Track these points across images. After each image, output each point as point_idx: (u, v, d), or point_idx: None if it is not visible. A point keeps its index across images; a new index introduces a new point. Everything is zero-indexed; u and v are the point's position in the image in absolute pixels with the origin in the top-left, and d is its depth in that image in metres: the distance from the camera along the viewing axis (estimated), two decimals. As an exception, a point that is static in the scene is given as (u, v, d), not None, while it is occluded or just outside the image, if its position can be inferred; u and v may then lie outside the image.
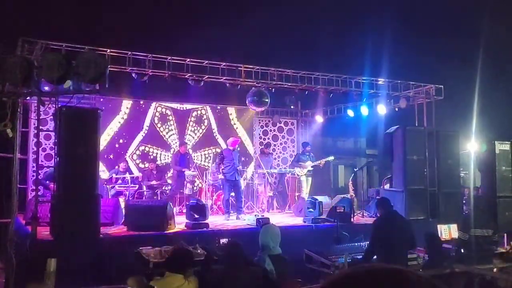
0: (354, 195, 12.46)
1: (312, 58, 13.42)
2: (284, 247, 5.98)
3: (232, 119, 14.51)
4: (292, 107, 15.57)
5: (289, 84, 11.54)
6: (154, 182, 11.79)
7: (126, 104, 13.02)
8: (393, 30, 14.00)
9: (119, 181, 11.54)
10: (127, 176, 11.39)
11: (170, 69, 10.18)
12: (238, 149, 11.74)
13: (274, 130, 15.64)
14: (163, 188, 12.01)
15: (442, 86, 12.15)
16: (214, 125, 14.19)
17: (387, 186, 11.84)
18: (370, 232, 6.92)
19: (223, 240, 7.70)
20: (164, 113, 13.54)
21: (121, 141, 12.92)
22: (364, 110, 13.14)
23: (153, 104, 13.38)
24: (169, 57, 10.12)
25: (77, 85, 6.66)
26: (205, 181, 12.15)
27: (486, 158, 11.37)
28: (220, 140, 14.03)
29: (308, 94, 12.35)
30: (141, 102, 13.25)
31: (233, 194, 11.22)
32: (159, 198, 11.37)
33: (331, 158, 12.92)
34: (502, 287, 6.40)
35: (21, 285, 6.40)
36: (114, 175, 11.61)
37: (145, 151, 13.21)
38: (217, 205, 11.93)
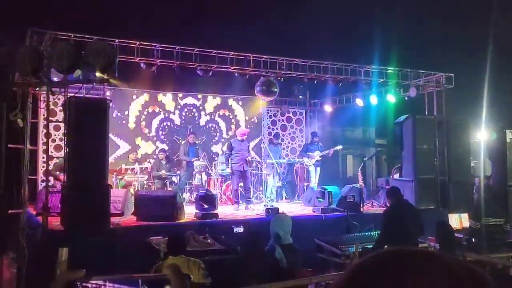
0: (363, 185, 12.42)
1: (321, 47, 13.31)
2: (294, 237, 5.99)
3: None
4: (300, 97, 15.52)
5: (298, 73, 11.49)
6: (163, 172, 11.80)
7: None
8: (402, 18, 13.87)
9: (129, 171, 11.56)
10: (136, 166, 11.40)
11: (179, 59, 10.17)
12: (247, 139, 11.73)
13: (283, 120, 15.58)
14: (172, 178, 12.02)
15: (453, 75, 12.03)
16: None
17: (396, 176, 11.78)
18: (381, 221, 6.91)
19: (237, 229, 7.70)
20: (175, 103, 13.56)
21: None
22: (374, 100, 13.06)
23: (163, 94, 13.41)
24: (178, 47, 10.10)
25: (86, 75, 6.66)
26: (214, 171, 12.15)
27: (497, 147, 11.27)
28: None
29: (317, 84, 12.29)
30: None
31: (241, 184, 11.22)
32: (168, 189, 11.39)
33: (339, 147, 12.87)
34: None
35: (33, 275, 6.44)
36: (123, 166, 11.62)
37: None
38: (226, 195, 11.93)
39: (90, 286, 1.74)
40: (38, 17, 10.04)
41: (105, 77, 6.48)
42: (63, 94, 7.66)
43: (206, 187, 11.77)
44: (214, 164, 12.39)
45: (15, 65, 6.45)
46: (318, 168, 12.80)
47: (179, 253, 4.98)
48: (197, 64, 10.39)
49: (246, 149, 11.07)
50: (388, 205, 7.56)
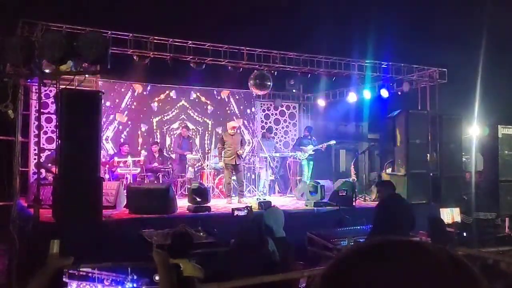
0: (356, 179, 12.45)
1: (315, 41, 13.28)
2: (286, 231, 5.99)
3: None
4: (294, 91, 15.49)
5: (292, 67, 11.46)
6: (156, 165, 11.77)
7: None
8: (396, 13, 13.87)
9: (121, 164, 11.52)
10: (129, 159, 11.36)
11: (172, 51, 10.11)
12: (239, 132, 11.70)
13: (276, 114, 15.56)
14: (165, 171, 11.99)
15: (446, 70, 12.06)
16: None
17: (389, 170, 11.81)
18: (373, 215, 6.93)
19: (238, 212, 7.69)
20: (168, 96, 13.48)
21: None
22: (367, 94, 13.06)
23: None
24: (171, 40, 10.04)
25: (78, 66, 6.60)
26: (207, 165, 12.13)
27: (489, 142, 11.33)
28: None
29: (311, 78, 12.26)
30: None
31: (234, 178, 11.20)
32: (161, 181, 11.36)
33: (332, 142, 12.88)
34: (504, 270, 6.40)
35: (24, 267, 6.41)
36: (116, 158, 11.57)
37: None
38: (218, 188, 11.92)
39: (78, 274, 1.72)
40: (29, 7, 9.94)
41: (97, 68, 6.44)
42: (55, 85, 7.60)
43: (198, 180, 11.74)
44: (207, 157, 12.37)
45: (6, 55, 6.39)
46: (311, 162, 12.82)
47: (183, 256, 4.44)
48: (191, 57, 10.33)
49: (237, 142, 11.02)
50: (381, 198, 7.59)
